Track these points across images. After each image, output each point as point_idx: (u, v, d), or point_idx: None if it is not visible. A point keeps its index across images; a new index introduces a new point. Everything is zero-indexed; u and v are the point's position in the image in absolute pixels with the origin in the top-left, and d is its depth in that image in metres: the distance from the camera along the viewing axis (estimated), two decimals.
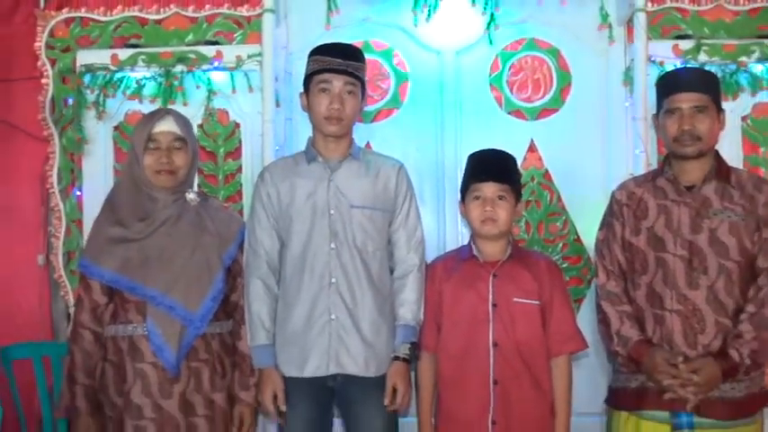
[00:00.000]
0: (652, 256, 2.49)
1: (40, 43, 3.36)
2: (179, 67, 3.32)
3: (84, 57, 3.34)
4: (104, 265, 2.48)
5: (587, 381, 3.14)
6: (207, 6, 3.35)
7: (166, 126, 2.56)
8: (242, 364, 2.61)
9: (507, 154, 2.67)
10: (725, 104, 2.85)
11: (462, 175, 2.68)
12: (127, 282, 2.47)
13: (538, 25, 3.45)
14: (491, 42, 3.42)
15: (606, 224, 2.66)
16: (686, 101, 2.49)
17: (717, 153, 2.57)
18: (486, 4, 3.32)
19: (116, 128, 3.41)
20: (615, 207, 2.63)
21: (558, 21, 3.43)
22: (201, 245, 2.54)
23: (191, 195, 2.62)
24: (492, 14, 3.34)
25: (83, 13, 3.37)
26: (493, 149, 2.67)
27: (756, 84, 3.30)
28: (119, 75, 3.36)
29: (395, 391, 2.53)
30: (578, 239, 3.40)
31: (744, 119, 3.32)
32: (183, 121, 2.61)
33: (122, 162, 3.24)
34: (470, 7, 3.36)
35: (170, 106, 3.11)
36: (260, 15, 3.30)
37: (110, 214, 2.57)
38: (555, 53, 3.47)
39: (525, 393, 2.51)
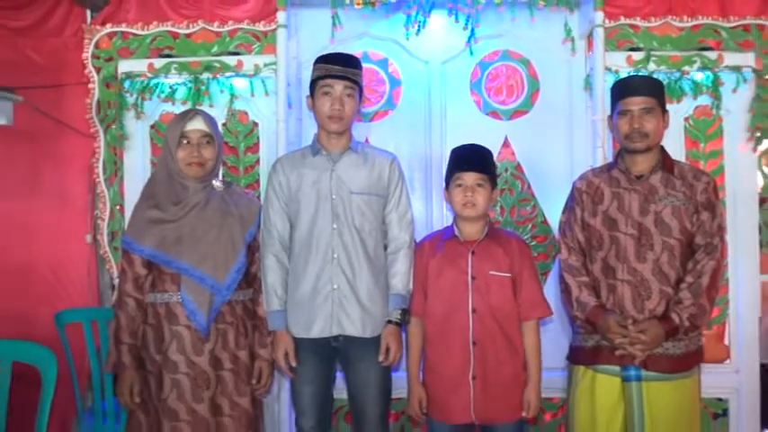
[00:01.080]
0: (606, 234, 2.52)
1: (87, 54, 3.36)
2: (206, 75, 3.32)
3: (125, 65, 3.34)
4: (144, 243, 2.50)
5: (552, 341, 3.17)
6: (229, 22, 3.35)
7: (196, 125, 2.57)
8: (260, 326, 2.64)
9: (485, 148, 2.67)
10: (670, 107, 2.89)
11: (447, 166, 2.69)
12: (163, 256, 2.49)
13: (511, 39, 3.45)
14: (471, 53, 3.42)
15: (568, 208, 2.68)
16: (636, 104, 2.51)
17: (662, 148, 2.59)
18: (467, 20, 3.32)
19: (152, 126, 3.41)
20: (576, 194, 2.66)
21: (529, 35, 3.43)
22: (226, 225, 2.56)
23: (216, 183, 2.64)
24: (472, 29, 3.33)
25: (123, 27, 3.36)
26: (473, 144, 2.68)
27: (697, 89, 3.30)
28: (154, 81, 3.35)
29: (388, 349, 2.56)
30: (545, 221, 3.42)
31: (686, 119, 3.33)
32: (210, 120, 2.62)
33: (158, 155, 3.25)
34: (453, 23, 3.36)
35: (198, 108, 3.11)
36: (274, 30, 3.30)
37: (148, 199, 2.58)
38: (526, 63, 3.48)
39: (500, 352, 2.53)
